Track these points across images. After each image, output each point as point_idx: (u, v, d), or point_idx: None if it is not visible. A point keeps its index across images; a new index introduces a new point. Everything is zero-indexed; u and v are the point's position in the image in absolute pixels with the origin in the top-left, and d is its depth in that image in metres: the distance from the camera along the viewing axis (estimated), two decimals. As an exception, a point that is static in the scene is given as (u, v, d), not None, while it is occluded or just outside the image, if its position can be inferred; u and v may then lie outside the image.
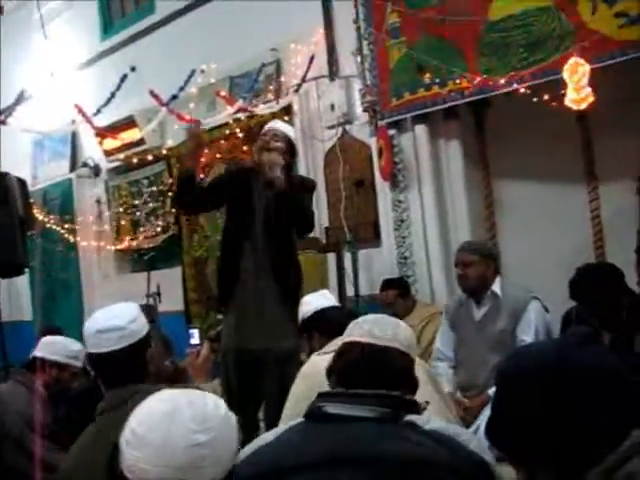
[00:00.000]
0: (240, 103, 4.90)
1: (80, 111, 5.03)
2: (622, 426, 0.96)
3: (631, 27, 3.20)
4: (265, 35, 4.94)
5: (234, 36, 5.13)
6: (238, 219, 3.17)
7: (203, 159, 5.18)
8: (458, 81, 3.76)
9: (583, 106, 3.24)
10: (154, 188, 6.12)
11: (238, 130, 5.18)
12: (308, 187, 3.32)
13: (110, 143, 6.15)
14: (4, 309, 4.28)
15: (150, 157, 5.88)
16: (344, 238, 4.46)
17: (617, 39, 3.25)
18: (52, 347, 3.03)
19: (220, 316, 3.56)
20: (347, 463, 1.33)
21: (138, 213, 6.30)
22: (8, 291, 6.42)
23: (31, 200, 4.67)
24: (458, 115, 4.06)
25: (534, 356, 1.07)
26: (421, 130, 4.10)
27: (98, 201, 6.71)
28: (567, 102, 3.25)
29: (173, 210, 5.88)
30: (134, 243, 6.30)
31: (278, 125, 3.33)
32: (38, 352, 3.01)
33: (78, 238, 6.70)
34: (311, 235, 4.31)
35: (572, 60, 3.23)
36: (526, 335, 3.12)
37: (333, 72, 4.71)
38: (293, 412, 2.04)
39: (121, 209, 6.49)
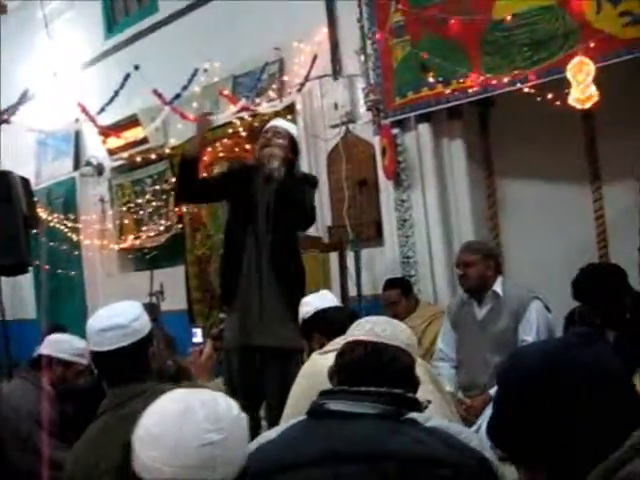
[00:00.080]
0: (243, 102, 4.90)
1: (83, 110, 5.04)
2: (623, 426, 0.96)
3: (636, 26, 3.19)
4: (268, 34, 4.94)
5: (237, 35, 5.13)
6: (240, 216, 3.18)
7: (206, 157, 5.19)
8: (462, 80, 3.75)
9: (587, 105, 3.23)
10: (157, 187, 6.12)
11: (241, 129, 5.17)
12: (310, 181, 3.32)
13: (113, 142, 6.17)
14: (8, 308, 4.29)
15: (153, 156, 5.89)
16: (347, 237, 4.45)
17: (622, 38, 3.23)
18: (58, 345, 3.02)
19: (223, 314, 3.55)
20: (348, 459, 1.34)
21: (141, 212, 6.30)
22: (12, 290, 6.42)
23: (35, 199, 4.67)
24: (462, 114, 4.05)
25: (535, 356, 1.07)
26: (424, 129, 4.09)
27: (101, 200, 6.71)
28: (571, 101, 3.24)
29: (176, 209, 5.89)
30: (137, 242, 6.30)
31: (280, 123, 3.33)
32: (44, 350, 3.01)
33: (81, 237, 6.71)
34: (314, 234, 4.32)
35: (576, 59, 3.21)
36: (527, 335, 3.12)
37: (336, 71, 4.70)
38: (294, 411, 2.04)
39: (124, 208, 6.49)
